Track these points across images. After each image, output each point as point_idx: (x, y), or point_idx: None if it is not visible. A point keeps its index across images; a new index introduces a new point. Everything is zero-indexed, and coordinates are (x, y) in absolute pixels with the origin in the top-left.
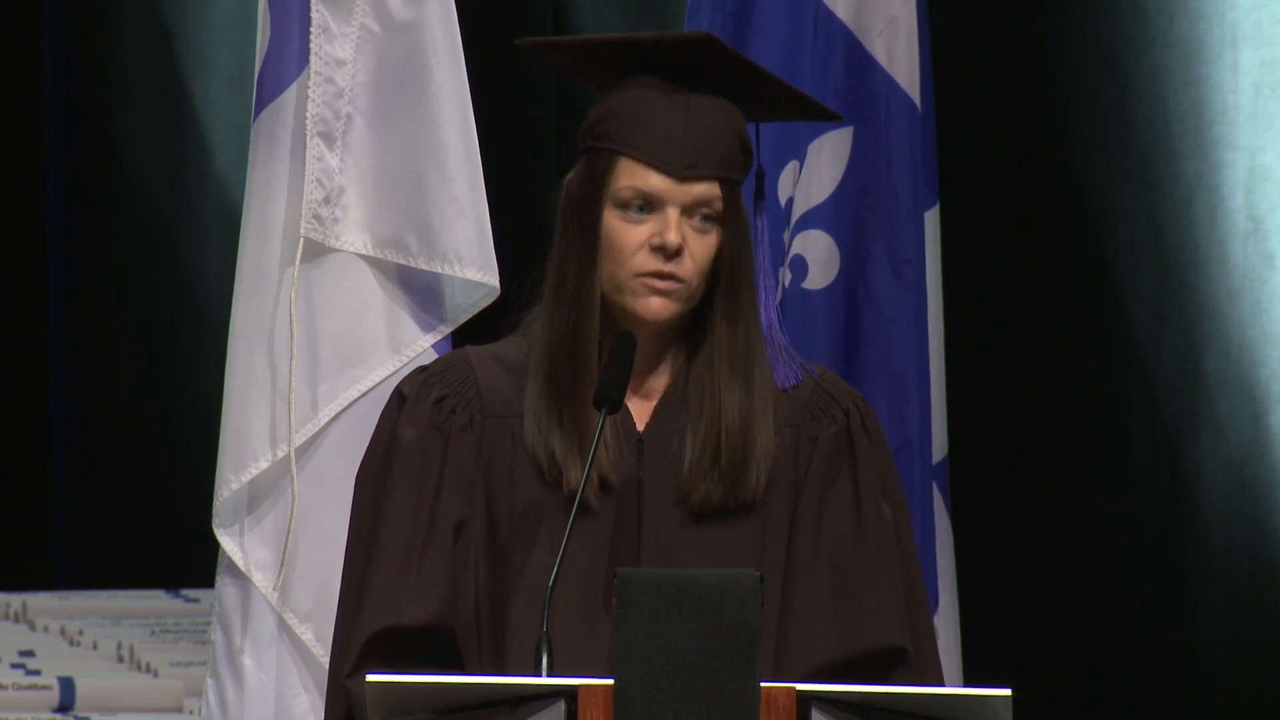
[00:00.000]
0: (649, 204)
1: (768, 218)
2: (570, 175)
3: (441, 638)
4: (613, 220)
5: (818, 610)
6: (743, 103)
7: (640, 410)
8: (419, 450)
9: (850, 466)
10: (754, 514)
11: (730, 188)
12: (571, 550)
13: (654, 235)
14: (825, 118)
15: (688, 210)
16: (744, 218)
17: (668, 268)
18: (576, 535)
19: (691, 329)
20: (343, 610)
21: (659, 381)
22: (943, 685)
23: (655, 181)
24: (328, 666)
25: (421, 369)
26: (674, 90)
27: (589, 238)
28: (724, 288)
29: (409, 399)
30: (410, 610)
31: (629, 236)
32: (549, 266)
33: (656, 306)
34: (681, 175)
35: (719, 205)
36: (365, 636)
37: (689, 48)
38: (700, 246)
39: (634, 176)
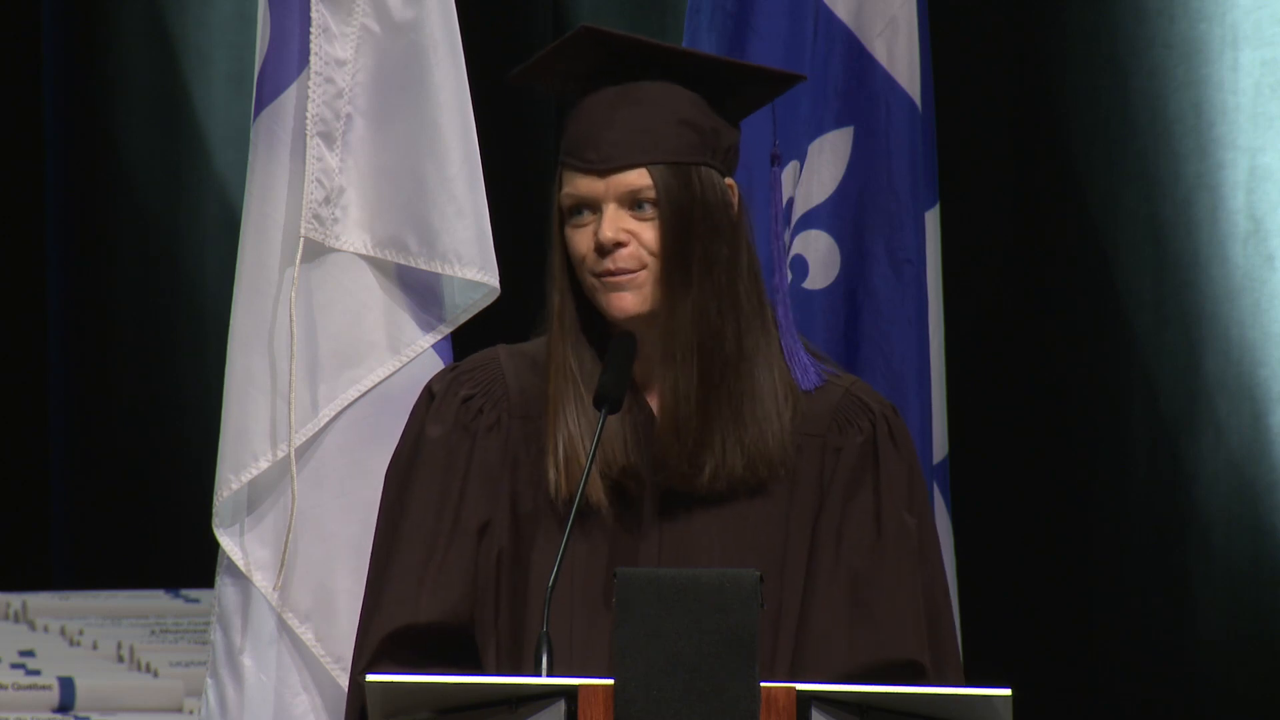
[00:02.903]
0: (590, 206)
1: (769, 218)
2: None
3: (460, 636)
4: (568, 231)
5: (835, 623)
6: (692, 83)
7: (655, 408)
8: (445, 449)
9: (874, 478)
10: (777, 522)
11: (667, 171)
12: (589, 552)
13: (596, 235)
14: (787, 83)
15: (625, 203)
16: (689, 198)
17: (614, 264)
18: (595, 537)
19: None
20: (364, 608)
21: (668, 380)
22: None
23: (582, 184)
24: (350, 663)
25: (452, 366)
26: (605, 90)
27: (556, 256)
28: (661, 270)
29: (437, 397)
30: (428, 609)
31: (578, 242)
32: None
33: (620, 303)
34: (600, 169)
35: (651, 190)
36: (382, 635)
37: (570, 50)
38: (648, 232)
39: (569, 184)
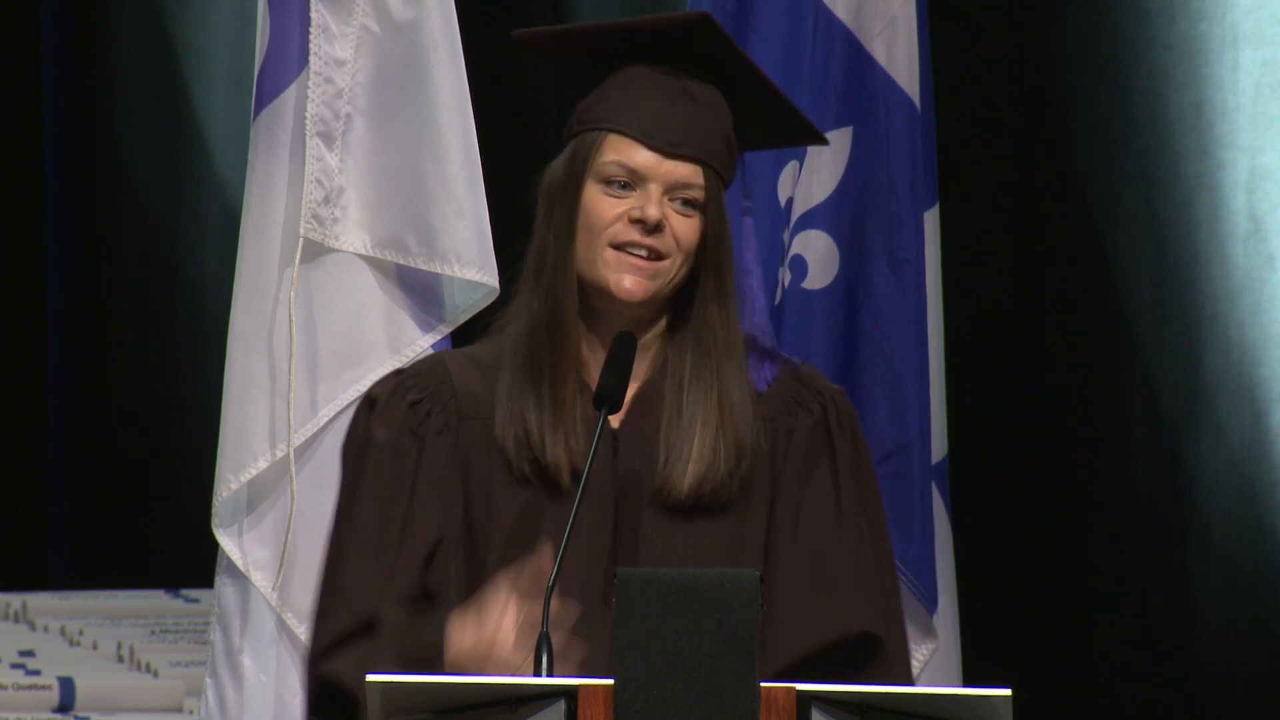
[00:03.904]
0: (632, 180)
1: (769, 219)
2: (554, 162)
3: (411, 636)
4: (593, 194)
5: (797, 602)
6: (732, 103)
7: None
8: (393, 452)
9: (829, 458)
10: (731, 509)
11: (713, 177)
12: (542, 545)
13: (634, 209)
14: (810, 140)
15: (670, 191)
16: (721, 210)
17: (647, 240)
18: (550, 530)
19: (668, 325)
20: (317, 611)
21: (633, 379)
22: (909, 677)
23: (640, 156)
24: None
25: (397, 372)
26: (666, 74)
27: (569, 215)
28: (712, 272)
29: (381, 401)
30: (377, 609)
31: (607, 207)
32: (528, 254)
33: (629, 285)
34: (667, 151)
35: (701, 190)
36: (333, 637)
37: (686, 30)
38: (683, 227)
39: (619, 151)
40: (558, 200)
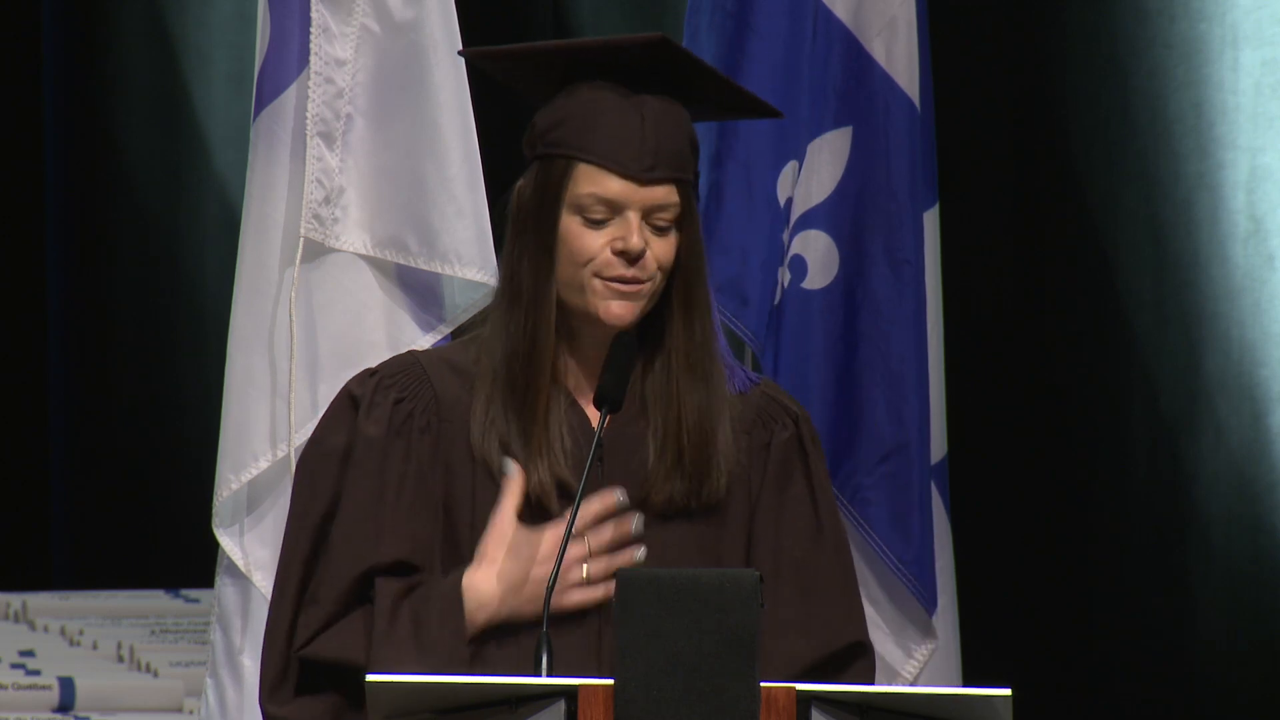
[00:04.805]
0: (609, 209)
1: (768, 219)
2: (521, 183)
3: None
4: (571, 225)
5: (789, 615)
6: (689, 103)
7: (598, 413)
8: (380, 450)
9: (804, 471)
10: (714, 517)
11: (685, 189)
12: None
13: (615, 240)
14: (769, 114)
15: (647, 214)
16: (698, 218)
17: (630, 272)
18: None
19: (647, 329)
20: (301, 605)
21: None
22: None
23: (615, 186)
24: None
25: (371, 371)
26: (626, 93)
27: (546, 243)
28: (680, 287)
29: (364, 400)
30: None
31: (589, 240)
32: (501, 273)
33: (618, 310)
34: (641, 178)
35: (677, 208)
36: (321, 623)
37: (643, 51)
38: (661, 247)
39: (593, 182)
40: (531, 227)
